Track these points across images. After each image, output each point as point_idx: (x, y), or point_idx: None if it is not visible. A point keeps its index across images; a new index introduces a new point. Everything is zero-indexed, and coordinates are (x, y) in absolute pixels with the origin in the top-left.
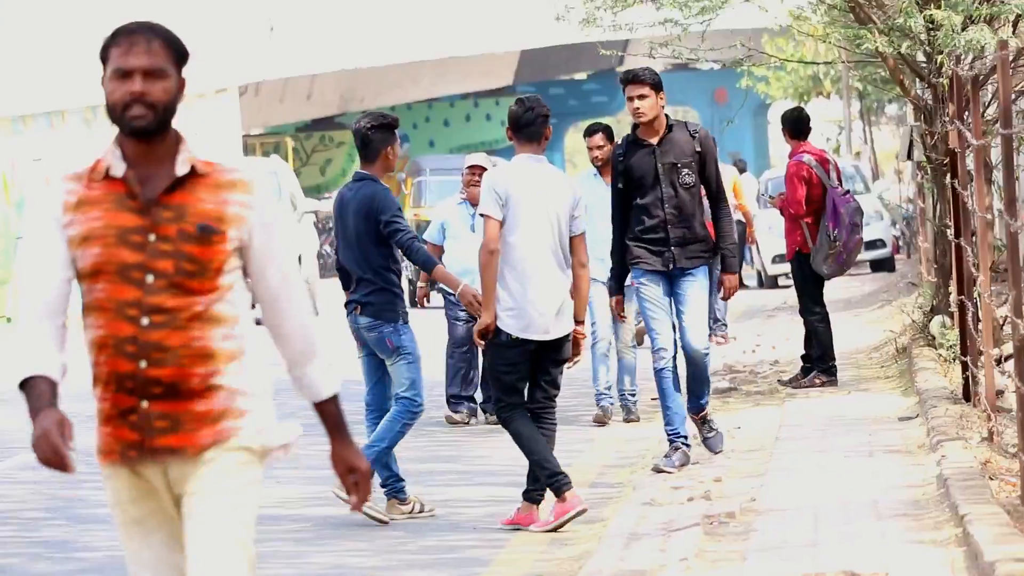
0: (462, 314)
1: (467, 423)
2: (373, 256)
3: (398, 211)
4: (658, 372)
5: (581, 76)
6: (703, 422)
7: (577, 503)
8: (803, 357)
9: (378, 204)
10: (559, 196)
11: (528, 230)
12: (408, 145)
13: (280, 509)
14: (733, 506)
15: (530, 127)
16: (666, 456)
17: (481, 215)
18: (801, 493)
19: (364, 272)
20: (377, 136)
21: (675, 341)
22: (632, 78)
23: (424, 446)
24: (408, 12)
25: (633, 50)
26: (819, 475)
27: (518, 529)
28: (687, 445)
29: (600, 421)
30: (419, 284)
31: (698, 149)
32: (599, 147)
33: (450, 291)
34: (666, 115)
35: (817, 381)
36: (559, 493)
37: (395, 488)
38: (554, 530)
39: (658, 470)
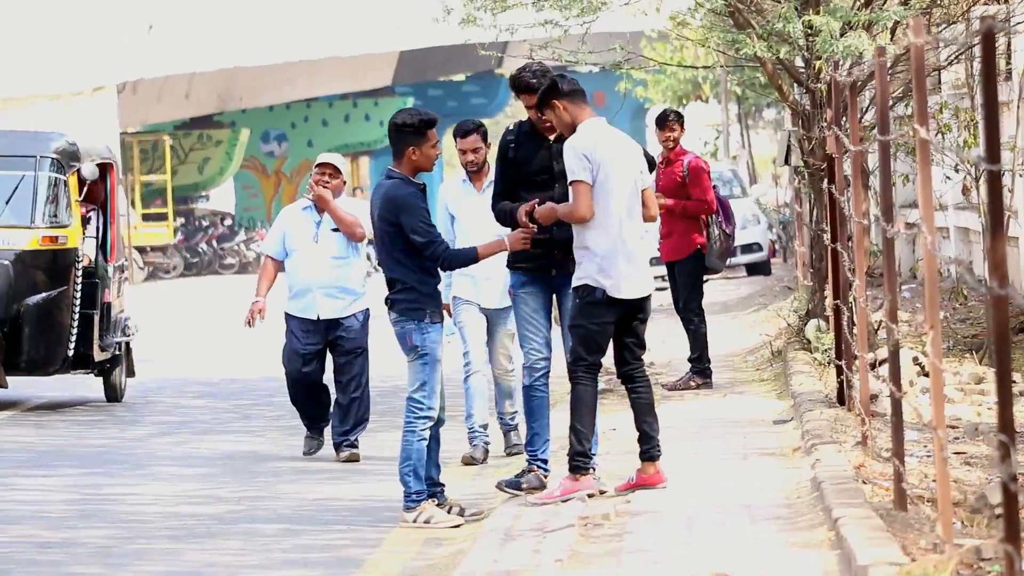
0: (312, 343)
1: (312, 452)
2: (397, 255)
3: (420, 219)
4: (527, 389)
5: (460, 77)
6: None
7: (587, 487)
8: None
9: (397, 206)
10: (634, 154)
11: (617, 192)
12: (286, 144)
13: (155, 506)
14: (608, 508)
15: (579, 88)
16: (517, 475)
17: (573, 183)
18: (676, 495)
19: (391, 270)
20: (399, 136)
21: (549, 357)
22: (528, 89)
23: (301, 444)
24: (287, 12)
25: (513, 51)
26: (694, 477)
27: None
28: (545, 471)
29: (468, 462)
30: (255, 298)
31: None
32: (474, 150)
33: (297, 314)
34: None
35: (693, 384)
36: (575, 472)
37: (431, 494)
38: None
39: (500, 488)
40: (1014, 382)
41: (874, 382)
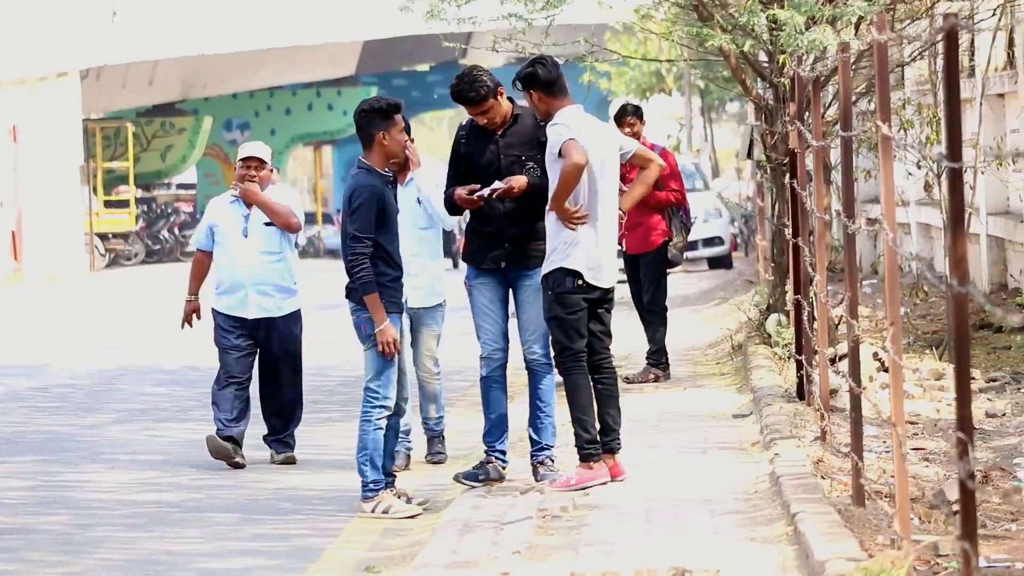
0: (241, 342)
1: (243, 466)
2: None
3: (362, 216)
4: (484, 380)
5: (424, 67)
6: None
7: (603, 474)
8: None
9: (352, 195)
10: (611, 139)
11: (595, 177)
12: (249, 133)
13: (114, 494)
14: (566, 500)
15: (561, 80)
16: (475, 467)
17: (564, 143)
18: (634, 488)
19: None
20: (366, 121)
21: (505, 348)
22: (468, 101)
23: (261, 432)
24: (252, 0)
25: (476, 43)
26: (653, 471)
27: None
28: (503, 462)
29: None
30: (187, 297)
31: (542, 139)
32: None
33: (225, 311)
34: (511, 100)
35: (652, 376)
36: (588, 460)
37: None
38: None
39: (458, 480)
40: (973, 379)
41: (834, 377)
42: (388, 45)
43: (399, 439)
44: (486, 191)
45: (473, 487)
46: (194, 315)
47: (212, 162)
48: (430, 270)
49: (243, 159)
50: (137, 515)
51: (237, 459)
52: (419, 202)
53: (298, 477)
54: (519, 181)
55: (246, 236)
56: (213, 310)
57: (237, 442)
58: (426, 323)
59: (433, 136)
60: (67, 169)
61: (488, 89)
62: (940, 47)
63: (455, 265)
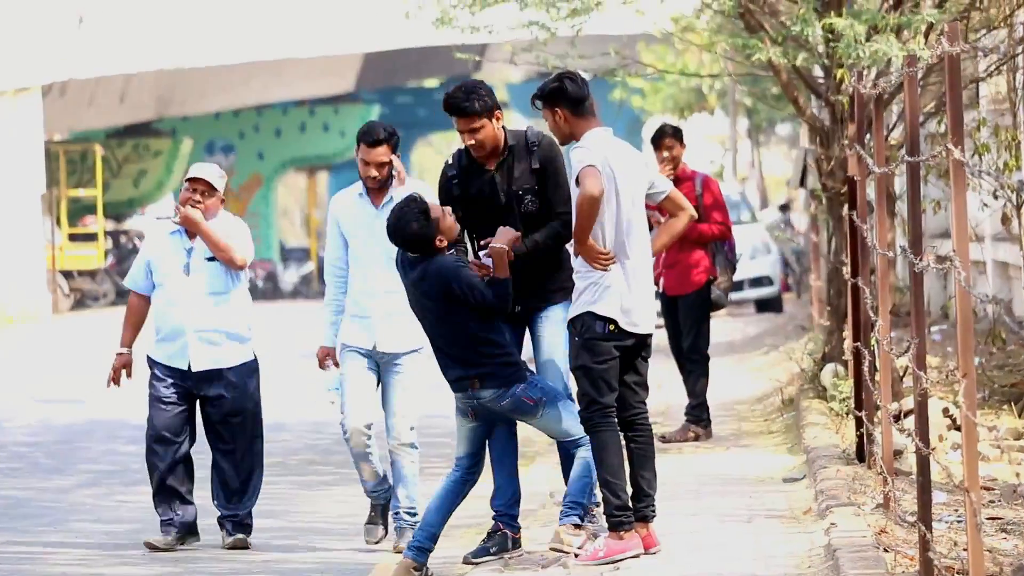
0: (176, 398)
1: (173, 550)
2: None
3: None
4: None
5: (433, 83)
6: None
7: (635, 546)
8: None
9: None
10: (642, 169)
11: (625, 210)
12: (234, 156)
13: (79, 567)
14: (594, 575)
15: (590, 100)
16: (484, 541)
17: (583, 169)
18: (670, 562)
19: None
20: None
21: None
22: (459, 112)
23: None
24: (237, 7)
25: (492, 55)
26: (691, 542)
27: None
28: (515, 528)
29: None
30: (118, 350)
31: (535, 166)
32: (379, 165)
33: (163, 361)
34: (504, 130)
35: (691, 435)
36: (618, 529)
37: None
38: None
39: (468, 562)
40: None
41: (898, 436)
42: (391, 58)
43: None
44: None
45: (478, 563)
46: (124, 371)
47: None
48: (406, 308)
49: (189, 180)
50: None
51: (171, 546)
52: None
53: (289, 548)
54: (507, 236)
55: (188, 274)
56: (149, 358)
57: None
58: (400, 374)
59: (442, 159)
60: (27, 198)
61: (484, 105)
62: (1021, 60)
63: None
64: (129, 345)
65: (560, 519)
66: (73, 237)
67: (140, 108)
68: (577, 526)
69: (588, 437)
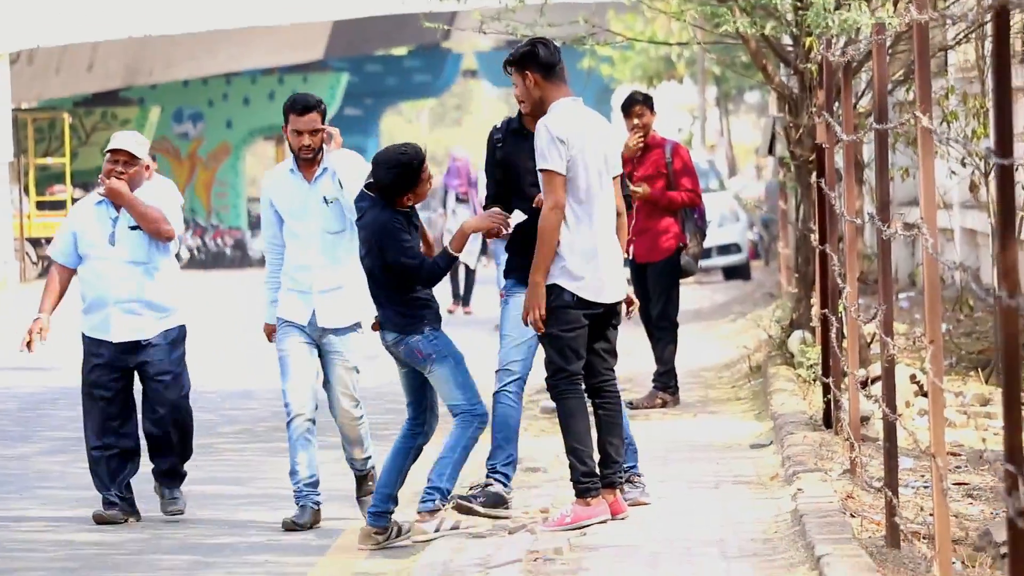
0: (105, 371)
1: (125, 521)
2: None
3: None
4: (496, 394)
5: (401, 51)
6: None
7: (603, 512)
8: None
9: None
10: (607, 139)
11: (591, 183)
12: (203, 125)
13: (46, 533)
14: (560, 541)
15: (562, 66)
16: (472, 490)
17: (543, 171)
18: (638, 528)
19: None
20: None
21: (529, 364)
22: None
23: (210, 465)
24: None
25: (461, 24)
26: (659, 508)
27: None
28: (506, 485)
29: (291, 528)
30: (36, 315)
31: None
32: (312, 132)
33: (89, 334)
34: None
35: (659, 401)
36: (585, 495)
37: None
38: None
39: (457, 507)
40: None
41: (865, 402)
42: (361, 26)
43: (303, 493)
44: (512, 222)
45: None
46: (38, 335)
47: (160, 158)
48: (353, 284)
49: (110, 151)
50: (74, 557)
51: (133, 518)
52: (326, 202)
53: (257, 513)
54: (485, 220)
55: (113, 244)
56: (81, 333)
57: (129, 505)
58: (340, 350)
59: (412, 128)
60: None
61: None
62: (989, 28)
63: (465, 303)
64: (47, 311)
65: (418, 506)
66: (41, 205)
67: (108, 76)
68: (432, 512)
69: (473, 410)
